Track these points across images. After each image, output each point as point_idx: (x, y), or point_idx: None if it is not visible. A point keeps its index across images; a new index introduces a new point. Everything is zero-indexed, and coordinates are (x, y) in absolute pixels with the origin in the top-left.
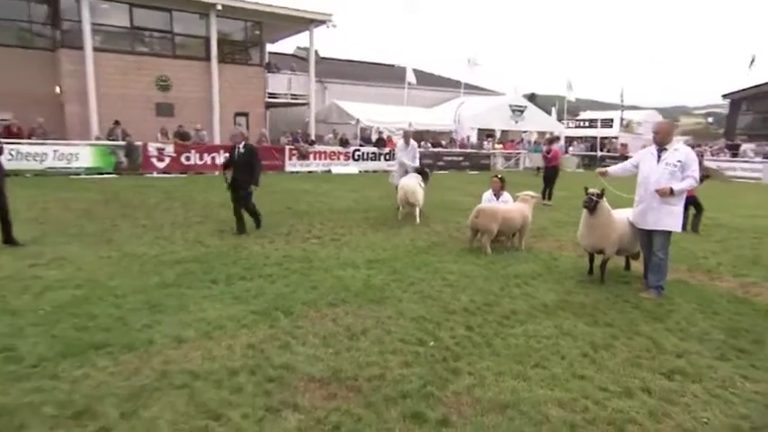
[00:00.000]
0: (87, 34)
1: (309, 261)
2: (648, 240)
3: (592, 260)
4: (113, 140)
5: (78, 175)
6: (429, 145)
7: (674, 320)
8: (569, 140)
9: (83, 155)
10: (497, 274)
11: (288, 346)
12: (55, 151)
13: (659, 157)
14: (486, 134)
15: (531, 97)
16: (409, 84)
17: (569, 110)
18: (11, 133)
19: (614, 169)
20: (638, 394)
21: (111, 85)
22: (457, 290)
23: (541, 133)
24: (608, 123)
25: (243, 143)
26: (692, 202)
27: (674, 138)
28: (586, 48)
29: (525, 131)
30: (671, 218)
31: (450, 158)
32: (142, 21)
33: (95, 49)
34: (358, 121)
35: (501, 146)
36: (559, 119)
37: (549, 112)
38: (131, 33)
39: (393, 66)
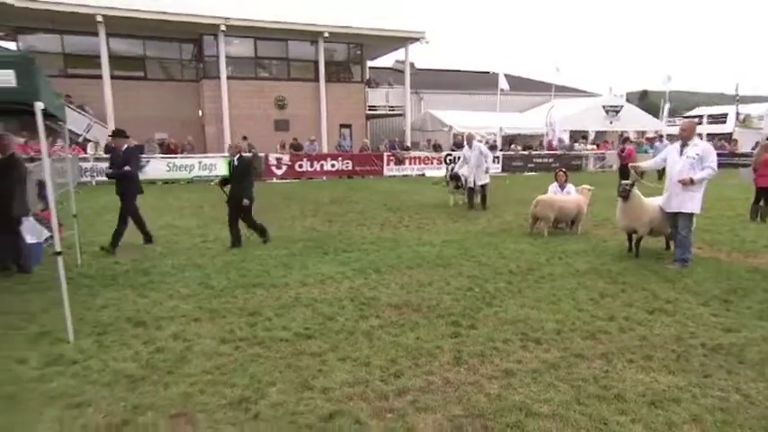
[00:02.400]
0: (222, 66)
1: (396, 241)
2: (674, 221)
3: (630, 239)
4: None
5: (213, 182)
6: (519, 148)
7: (683, 283)
8: (672, 138)
9: (219, 165)
10: (547, 250)
11: (376, 288)
12: (200, 163)
13: (681, 151)
14: (581, 135)
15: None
16: (502, 90)
17: (683, 107)
18: (168, 149)
19: (648, 164)
20: (618, 320)
21: (239, 106)
22: (509, 260)
23: (640, 133)
24: (720, 119)
25: (238, 155)
26: (764, 194)
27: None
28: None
29: (623, 131)
30: (692, 202)
31: (540, 160)
32: (264, 51)
33: (228, 78)
34: (451, 128)
35: (594, 147)
36: (672, 115)
37: (661, 110)
38: (255, 62)
39: (487, 73)
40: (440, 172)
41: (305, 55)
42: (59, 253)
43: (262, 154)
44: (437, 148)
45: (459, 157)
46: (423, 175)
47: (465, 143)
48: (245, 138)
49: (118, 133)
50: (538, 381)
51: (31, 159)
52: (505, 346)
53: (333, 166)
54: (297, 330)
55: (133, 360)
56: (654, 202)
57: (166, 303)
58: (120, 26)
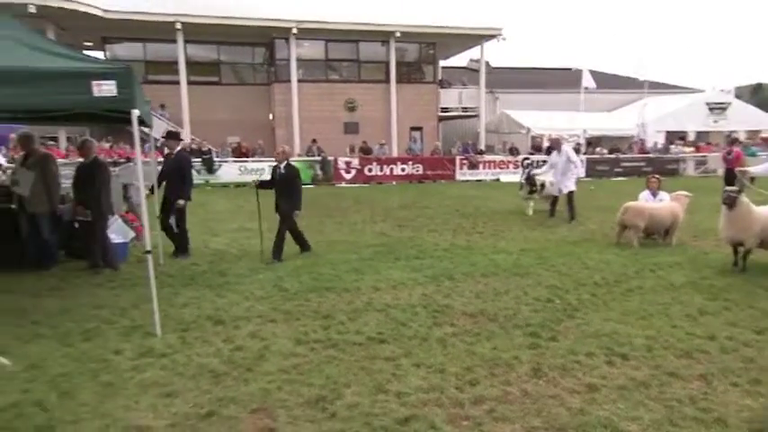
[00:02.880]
0: (293, 68)
1: (470, 248)
2: None
3: (736, 252)
4: (311, 156)
5: None
6: (605, 151)
7: None
8: None
9: None
10: (636, 261)
11: (449, 296)
12: (270, 166)
13: None
14: (677, 137)
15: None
16: (586, 89)
17: None
18: (241, 153)
19: (757, 169)
20: (719, 339)
21: (309, 109)
22: (593, 271)
23: (753, 132)
24: None
25: (285, 162)
26: None
27: None
28: None
29: (731, 132)
30: None
31: (629, 164)
32: (334, 53)
33: (299, 81)
34: (528, 130)
35: (692, 149)
36: None
37: None
38: (325, 64)
39: (569, 69)
40: (516, 177)
41: (376, 56)
42: (149, 252)
43: (331, 158)
44: (513, 151)
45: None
46: (497, 180)
47: (549, 147)
48: (314, 141)
49: (172, 135)
50: (625, 398)
51: (115, 163)
52: (589, 360)
53: (403, 170)
54: (370, 335)
55: (215, 356)
56: (766, 211)
57: (243, 304)
58: (197, 32)
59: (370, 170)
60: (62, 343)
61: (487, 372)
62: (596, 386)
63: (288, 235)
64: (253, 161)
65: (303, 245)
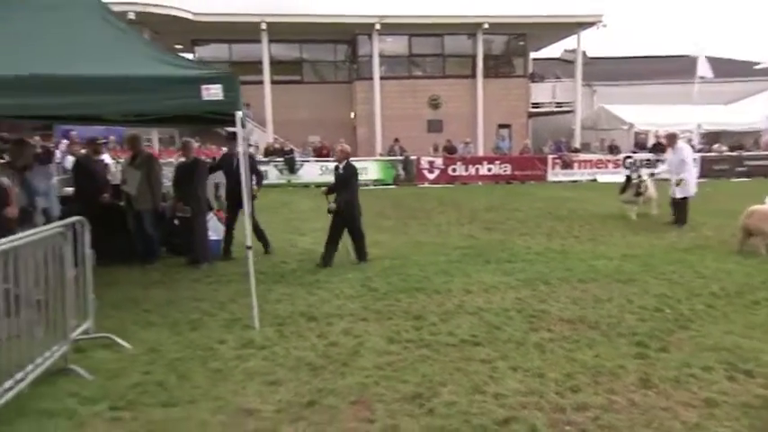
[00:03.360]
0: (376, 66)
1: (566, 253)
2: None
3: None
4: (393, 156)
5: (367, 186)
6: (724, 148)
7: None
8: None
9: (370, 169)
10: (763, 271)
11: (545, 301)
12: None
13: None
14: None
15: None
16: (701, 78)
17: None
18: (321, 153)
19: None
20: None
21: (391, 107)
22: (709, 281)
23: None
24: None
25: (344, 162)
26: None
27: None
28: None
29: None
30: None
31: (754, 163)
32: (418, 48)
33: (381, 78)
34: (631, 126)
35: None
36: None
37: None
38: (409, 60)
39: (680, 57)
40: (616, 177)
41: (461, 50)
42: (249, 247)
43: (413, 157)
44: (613, 149)
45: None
46: (594, 180)
47: (655, 144)
48: (396, 140)
49: (233, 136)
50: (750, 416)
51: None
52: (706, 374)
53: (489, 170)
54: (463, 337)
55: (311, 350)
56: None
57: (334, 302)
58: (281, 31)
59: (454, 170)
60: (172, 331)
61: (590, 379)
62: (715, 401)
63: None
64: (334, 161)
65: (360, 251)
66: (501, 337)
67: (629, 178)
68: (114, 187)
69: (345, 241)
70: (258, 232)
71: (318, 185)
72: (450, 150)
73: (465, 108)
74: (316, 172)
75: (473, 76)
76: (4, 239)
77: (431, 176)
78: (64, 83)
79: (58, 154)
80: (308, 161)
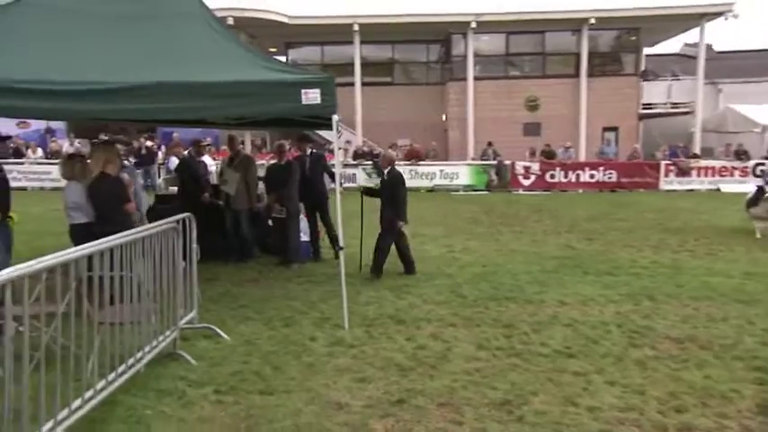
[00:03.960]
0: (470, 65)
1: (677, 268)
2: None
3: None
4: (486, 160)
5: (457, 191)
6: None
7: None
8: None
9: (461, 173)
10: None
11: (649, 317)
12: (441, 171)
13: None
14: None
15: None
16: None
17: None
18: (412, 156)
19: None
20: None
21: (485, 109)
22: None
23: None
24: None
25: (389, 168)
26: None
27: None
28: None
29: None
30: None
31: None
32: (516, 46)
33: (475, 78)
34: (764, 128)
35: None
36: None
37: None
38: (505, 59)
39: None
40: (743, 186)
41: (564, 47)
42: (342, 248)
43: (507, 162)
44: (741, 155)
45: None
46: (717, 189)
47: None
48: (489, 144)
49: (304, 137)
50: None
51: None
52: None
53: (592, 176)
54: (556, 348)
55: (399, 352)
56: None
57: (422, 307)
58: (373, 32)
59: (552, 176)
60: (267, 326)
61: (697, 401)
62: None
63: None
64: (425, 165)
65: (408, 264)
66: (597, 351)
67: (761, 189)
68: (214, 187)
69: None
70: (330, 235)
71: (407, 190)
72: (548, 155)
73: (566, 110)
74: (404, 176)
75: (576, 75)
76: (127, 232)
77: (526, 182)
78: (184, 89)
79: (160, 155)
80: (396, 165)
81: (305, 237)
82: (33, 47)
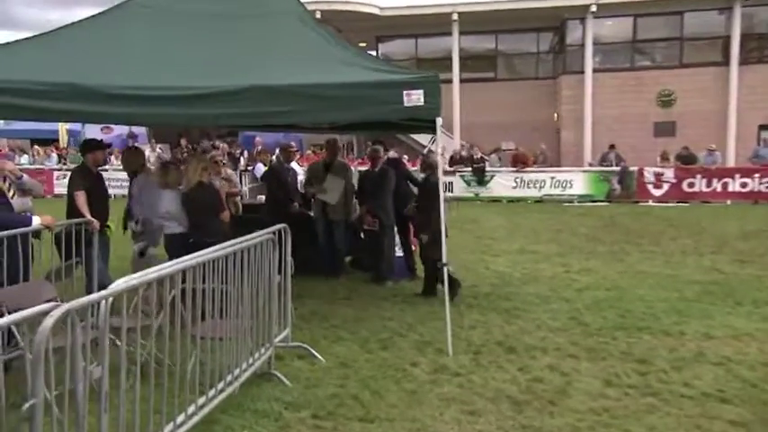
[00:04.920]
0: (588, 55)
1: None
2: None
3: None
4: (606, 166)
5: (571, 202)
6: None
7: None
8: None
9: (576, 181)
10: None
11: None
12: (552, 178)
13: None
14: None
15: None
16: None
17: None
18: (518, 161)
19: None
20: None
21: (606, 106)
22: None
23: None
24: None
25: (426, 174)
26: None
27: None
28: None
29: None
30: None
31: None
32: (646, 31)
33: (594, 70)
34: None
35: None
36: None
37: None
38: (632, 47)
39: None
40: None
41: (708, 29)
42: (445, 264)
43: (633, 168)
44: None
45: None
46: None
47: None
48: (611, 146)
49: (379, 141)
50: None
51: None
52: None
53: (744, 185)
54: (705, 390)
55: (512, 383)
56: None
57: (535, 333)
58: (474, 21)
59: (691, 184)
60: (363, 348)
61: None
62: None
63: None
64: (532, 171)
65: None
66: (760, 397)
67: None
68: (302, 196)
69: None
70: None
71: (511, 200)
72: (686, 160)
73: (710, 105)
74: (509, 184)
75: (724, 62)
76: (224, 244)
77: (657, 192)
78: (279, 93)
79: (242, 160)
80: (499, 171)
81: (399, 252)
82: (126, 52)
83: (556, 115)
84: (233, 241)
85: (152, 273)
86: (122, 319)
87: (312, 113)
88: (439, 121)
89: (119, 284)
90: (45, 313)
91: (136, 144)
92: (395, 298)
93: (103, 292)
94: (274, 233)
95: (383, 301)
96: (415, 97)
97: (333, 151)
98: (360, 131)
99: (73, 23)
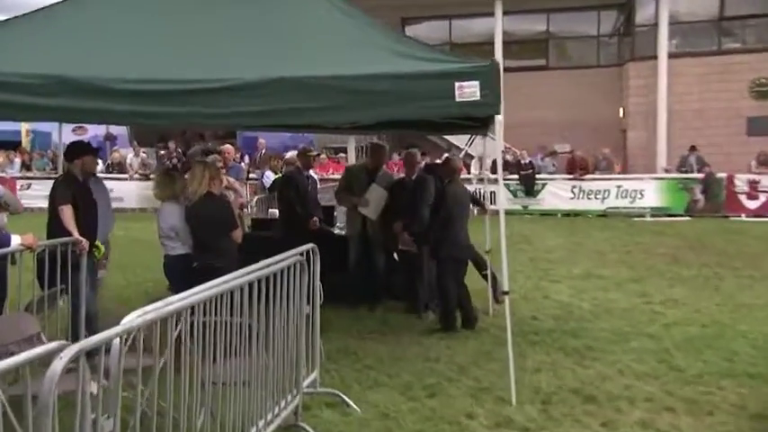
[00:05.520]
0: (663, 38)
1: None
2: None
3: None
4: (686, 172)
5: (642, 216)
6: None
7: None
8: None
9: (649, 192)
10: None
11: None
12: (618, 187)
13: None
14: None
15: None
16: None
17: None
18: (574, 166)
19: None
20: None
21: (685, 99)
22: None
23: None
24: None
25: (449, 180)
26: None
27: None
28: None
29: None
30: None
31: None
32: (735, 6)
33: (670, 56)
34: None
35: None
36: None
37: None
38: (717, 26)
39: None
40: None
41: None
42: (506, 293)
43: (721, 174)
44: None
45: None
46: None
47: None
48: (692, 148)
49: (414, 145)
50: None
51: None
52: None
53: None
54: None
55: None
56: None
57: (617, 380)
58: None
59: None
60: (405, 395)
61: None
62: None
63: None
64: (593, 179)
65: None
66: None
67: None
68: (326, 210)
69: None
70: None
71: (568, 214)
72: None
73: None
74: (564, 195)
75: None
76: (244, 270)
77: (752, 204)
78: (314, 86)
79: (243, 166)
80: (553, 179)
81: None
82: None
83: (621, 111)
84: (257, 266)
85: (171, 305)
86: (138, 360)
87: (350, 111)
88: (499, 119)
89: (133, 320)
90: (52, 353)
91: (116, 148)
92: (438, 333)
93: (117, 329)
94: (302, 254)
95: (425, 337)
96: (468, 90)
97: (379, 157)
98: (387, 131)
99: (53, 4)
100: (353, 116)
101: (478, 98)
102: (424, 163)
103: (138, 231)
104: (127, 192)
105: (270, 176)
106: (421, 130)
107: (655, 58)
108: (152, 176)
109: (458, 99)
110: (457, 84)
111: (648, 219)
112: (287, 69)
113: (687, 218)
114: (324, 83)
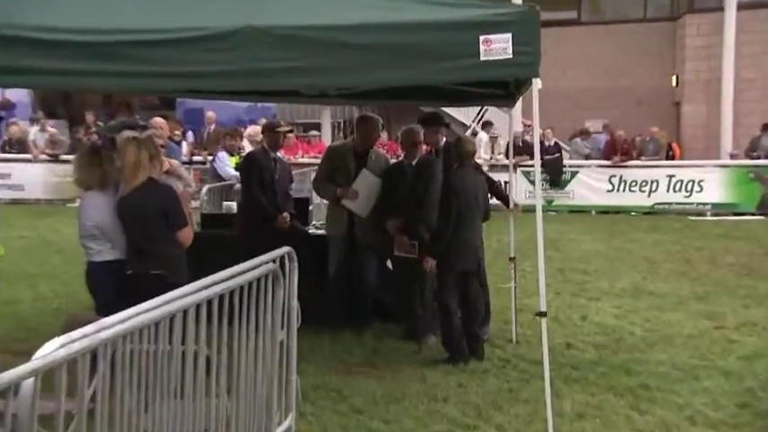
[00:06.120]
0: None
1: None
2: None
3: None
4: (757, 158)
5: (702, 215)
6: None
7: None
8: None
9: (709, 183)
10: None
11: None
12: (670, 178)
13: None
14: None
15: None
16: None
17: None
18: (612, 148)
19: None
20: None
21: (760, 63)
22: None
23: None
24: None
25: (456, 166)
26: None
27: None
28: None
29: None
30: None
31: None
32: None
33: (739, 6)
34: None
35: None
36: None
37: None
38: None
39: None
40: None
41: None
42: (543, 314)
43: None
44: None
45: None
46: None
47: None
48: (765, 127)
49: (431, 120)
50: None
51: None
52: None
53: None
54: None
55: None
56: None
57: (687, 429)
58: None
59: None
60: None
61: None
62: None
63: None
64: (637, 166)
65: (472, 341)
66: None
67: None
68: (298, 203)
69: None
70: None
71: (605, 211)
72: None
73: None
74: (600, 186)
75: None
76: (196, 284)
77: None
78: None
79: (184, 148)
80: (586, 166)
81: None
82: None
83: (675, 79)
84: (217, 276)
85: (103, 332)
86: (59, 403)
87: (340, 73)
88: (536, 83)
89: (52, 351)
90: None
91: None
92: (443, 365)
93: (31, 365)
94: (275, 260)
95: (427, 370)
96: (497, 46)
97: (370, 135)
98: (375, 100)
99: None
100: (337, 80)
101: (510, 56)
102: (444, 140)
103: (45, 230)
104: (30, 178)
105: (224, 159)
106: (423, 99)
107: (720, 9)
108: (64, 158)
109: (483, 58)
110: (482, 37)
111: (710, 218)
112: (257, 17)
113: (760, 217)
114: (298, 34)
